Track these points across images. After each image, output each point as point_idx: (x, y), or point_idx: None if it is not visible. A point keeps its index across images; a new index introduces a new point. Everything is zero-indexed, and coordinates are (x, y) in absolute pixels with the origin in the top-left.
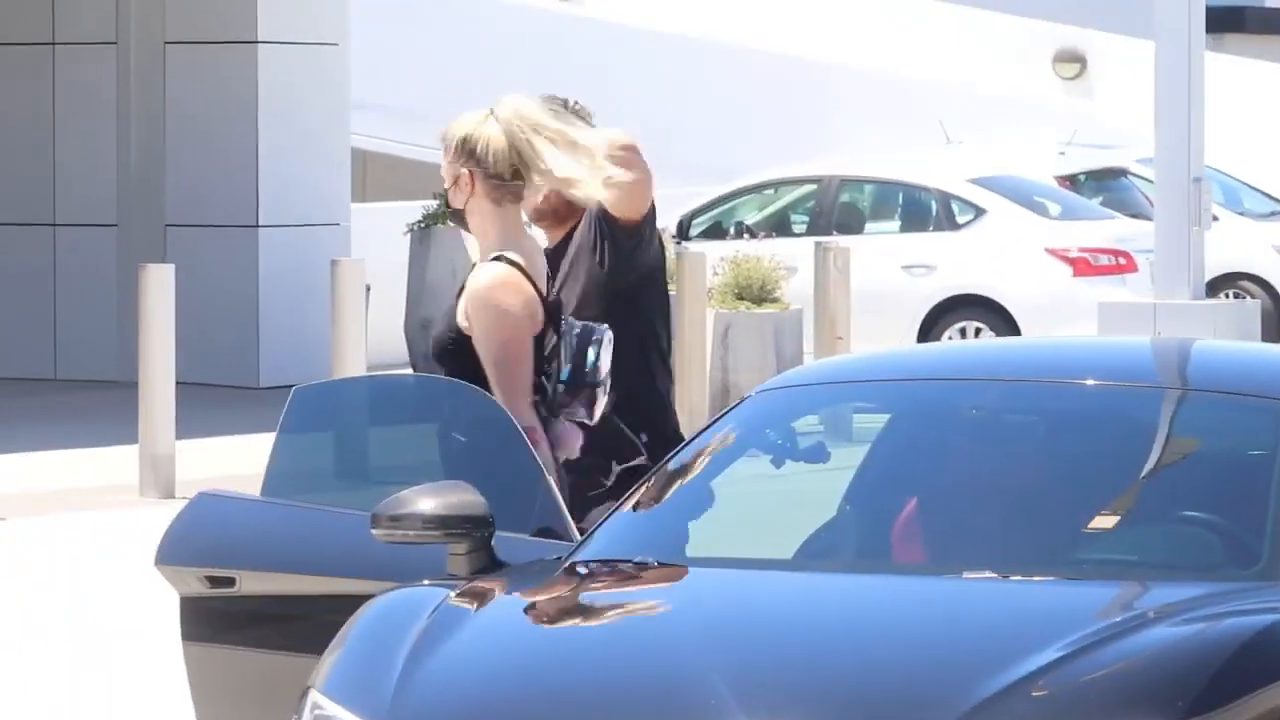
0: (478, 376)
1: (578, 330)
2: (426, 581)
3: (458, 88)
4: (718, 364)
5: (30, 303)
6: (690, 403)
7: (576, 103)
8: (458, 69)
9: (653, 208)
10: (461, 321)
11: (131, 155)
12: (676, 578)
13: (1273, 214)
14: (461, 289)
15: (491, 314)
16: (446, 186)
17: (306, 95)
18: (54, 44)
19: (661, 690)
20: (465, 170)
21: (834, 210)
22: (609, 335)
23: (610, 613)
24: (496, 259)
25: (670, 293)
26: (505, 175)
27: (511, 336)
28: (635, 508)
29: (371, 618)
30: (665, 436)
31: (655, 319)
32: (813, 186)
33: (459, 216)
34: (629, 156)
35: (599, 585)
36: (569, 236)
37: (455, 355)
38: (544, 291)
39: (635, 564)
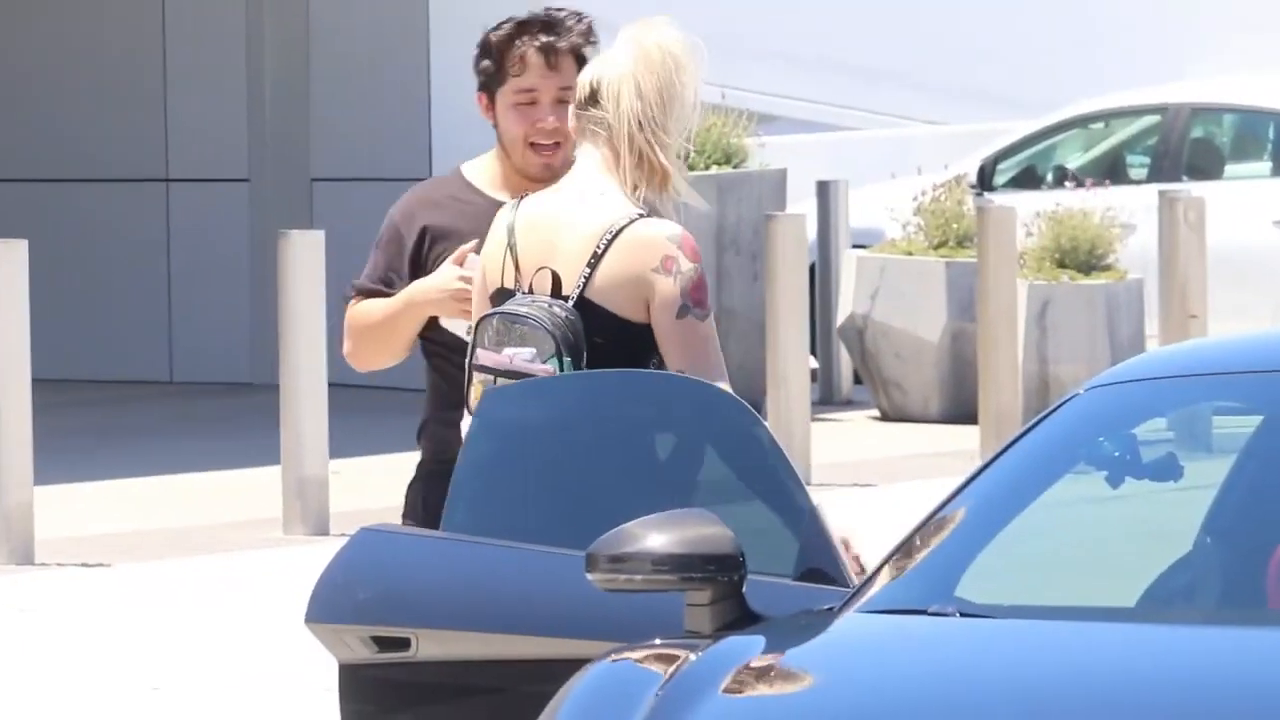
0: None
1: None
2: (659, 641)
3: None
4: (1033, 352)
5: (138, 283)
6: (997, 402)
7: None
8: None
9: None
10: None
11: (266, 90)
12: (986, 633)
13: None
14: None
15: None
16: None
17: (487, 9)
18: None
19: None
20: None
21: (1184, 149)
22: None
23: (903, 681)
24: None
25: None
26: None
27: None
28: (931, 542)
29: (588, 689)
30: None
31: None
32: (1155, 119)
33: None
34: None
35: (885, 644)
36: None
37: None
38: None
39: (932, 615)
